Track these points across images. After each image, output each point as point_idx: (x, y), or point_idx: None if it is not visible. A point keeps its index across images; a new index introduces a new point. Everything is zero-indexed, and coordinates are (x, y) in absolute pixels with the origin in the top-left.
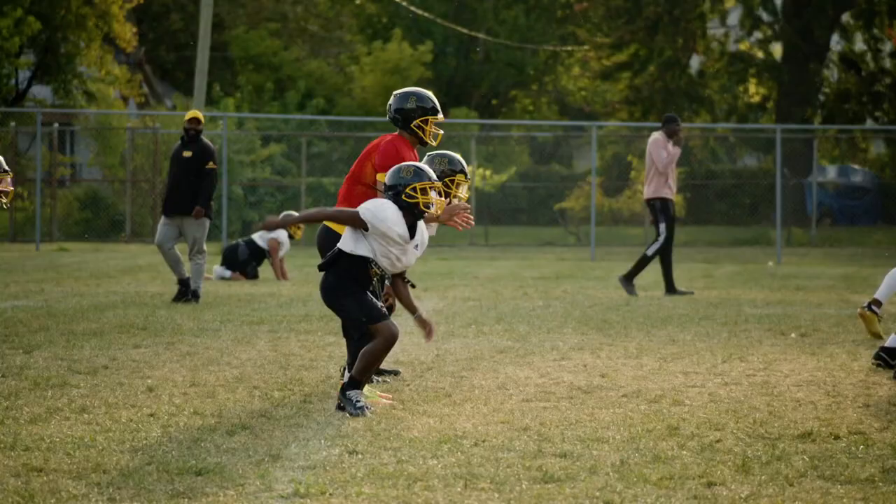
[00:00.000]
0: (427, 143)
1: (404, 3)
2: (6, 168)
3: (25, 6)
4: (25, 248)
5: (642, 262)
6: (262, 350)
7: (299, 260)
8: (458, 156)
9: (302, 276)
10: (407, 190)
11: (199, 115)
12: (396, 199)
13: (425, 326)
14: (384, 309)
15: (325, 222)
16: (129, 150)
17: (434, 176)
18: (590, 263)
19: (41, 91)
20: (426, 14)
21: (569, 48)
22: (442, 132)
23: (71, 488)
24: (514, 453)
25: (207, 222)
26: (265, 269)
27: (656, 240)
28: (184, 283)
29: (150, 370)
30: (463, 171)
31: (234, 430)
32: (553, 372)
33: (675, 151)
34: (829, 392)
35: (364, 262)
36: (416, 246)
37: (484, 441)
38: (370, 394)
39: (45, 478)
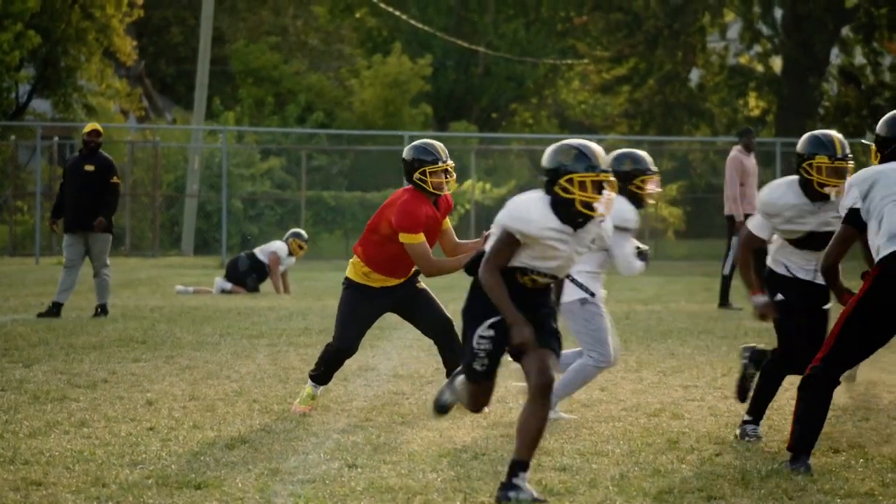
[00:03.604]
0: (435, 195)
1: (404, 17)
2: None
3: (26, 20)
4: (25, 261)
5: (726, 281)
6: (262, 364)
7: (299, 274)
8: (642, 153)
9: (302, 289)
10: (562, 181)
11: (99, 127)
12: (550, 189)
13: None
14: (486, 363)
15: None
16: (128, 163)
17: (601, 164)
18: None
19: (41, 105)
20: (426, 28)
21: (568, 62)
22: (450, 179)
23: (70, 502)
24: None
25: (110, 237)
26: (266, 283)
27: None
28: (56, 306)
29: (150, 384)
30: (650, 170)
31: (234, 444)
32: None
33: (750, 164)
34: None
35: (509, 272)
36: (593, 240)
37: (483, 454)
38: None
39: (44, 492)
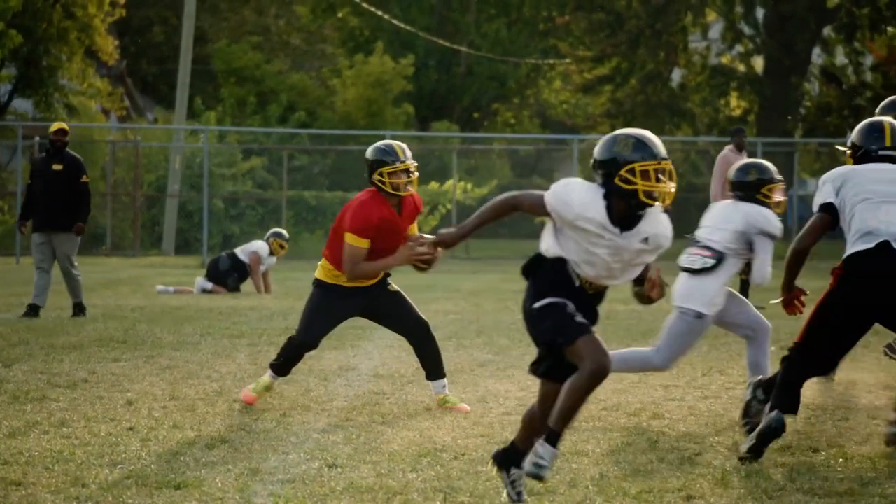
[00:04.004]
0: (395, 195)
1: (387, 17)
2: None
3: (7, 19)
4: (6, 261)
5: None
6: (242, 364)
7: (280, 273)
8: (766, 163)
9: (283, 289)
10: (622, 172)
11: (65, 126)
12: (607, 182)
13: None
14: (584, 323)
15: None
16: (110, 163)
17: (664, 153)
18: None
19: (22, 104)
20: (408, 27)
21: (550, 62)
22: (411, 179)
23: (50, 502)
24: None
25: (78, 237)
26: (247, 283)
27: None
28: (34, 308)
29: (130, 384)
30: (775, 178)
31: (214, 444)
32: (533, 385)
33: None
34: (807, 405)
35: (565, 274)
36: (646, 239)
37: (464, 454)
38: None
39: (23, 492)
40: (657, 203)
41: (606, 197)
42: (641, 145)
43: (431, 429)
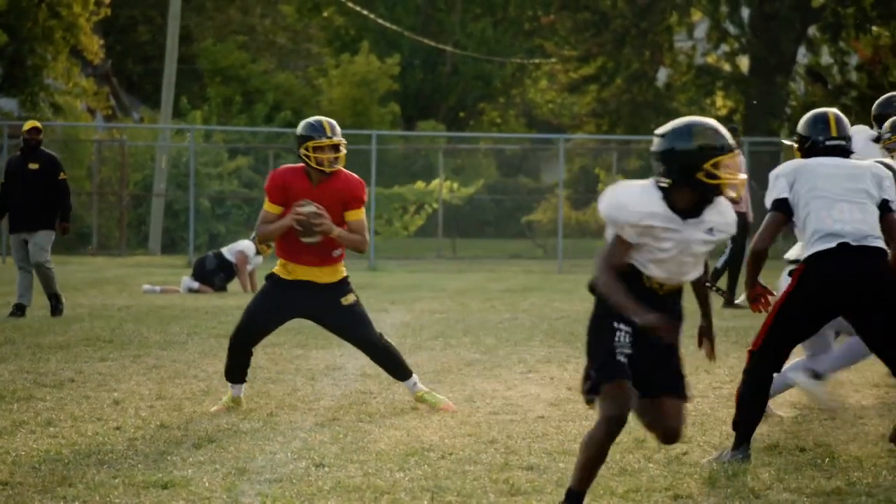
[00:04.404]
0: (320, 171)
1: (372, 16)
2: None
3: None
4: None
5: (717, 275)
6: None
7: (266, 272)
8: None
9: None
10: (707, 166)
11: (38, 124)
12: (684, 176)
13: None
14: (621, 365)
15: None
16: (95, 162)
17: (729, 142)
18: (557, 276)
19: (7, 104)
20: (394, 27)
21: (536, 61)
22: (339, 156)
23: (37, 502)
24: (481, 466)
25: (53, 234)
26: (233, 282)
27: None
28: (20, 308)
29: (117, 383)
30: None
31: (201, 444)
32: (520, 385)
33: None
34: (794, 404)
35: (635, 274)
36: (711, 229)
37: (451, 454)
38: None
39: (10, 491)
40: (733, 194)
41: (663, 190)
42: (720, 135)
43: (419, 428)
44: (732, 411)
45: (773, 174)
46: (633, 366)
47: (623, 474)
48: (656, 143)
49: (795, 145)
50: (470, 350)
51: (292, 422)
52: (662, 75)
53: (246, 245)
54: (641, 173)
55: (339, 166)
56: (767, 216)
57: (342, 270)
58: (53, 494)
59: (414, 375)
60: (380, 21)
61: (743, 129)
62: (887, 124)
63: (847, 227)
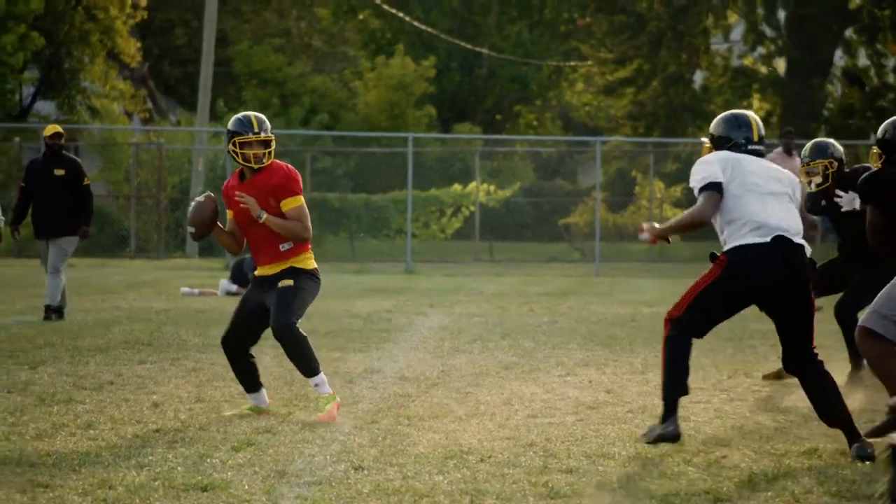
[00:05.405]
0: (247, 167)
1: (408, 19)
2: None
3: (29, 22)
4: (30, 263)
5: None
6: (268, 366)
7: None
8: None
9: None
10: None
11: (61, 129)
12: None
13: None
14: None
15: None
16: (133, 165)
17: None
18: (594, 279)
19: (45, 107)
20: (430, 29)
21: (572, 64)
22: (265, 151)
23: None
24: (520, 469)
25: (76, 239)
26: None
27: None
28: (57, 310)
29: (156, 386)
30: None
31: (240, 447)
32: (559, 388)
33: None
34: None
35: None
36: None
37: (490, 457)
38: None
39: (51, 494)
40: None
41: None
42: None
43: (457, 431)
44: (771, 414)
45: (703, 160)
46: None
47: (662, 477)
48: None
49: (708, 144)
50: (508, 353)
51: (330, 424)
52: (699, 78)
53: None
54: (678, 175)
55: (268, 162)
56: (705, 195)
57: (303, 262)
58: (93, 497)
59: (320, 374)
60: (416, 24)
61: (779, 132)
62: (806, 149)
63: (783, 224)
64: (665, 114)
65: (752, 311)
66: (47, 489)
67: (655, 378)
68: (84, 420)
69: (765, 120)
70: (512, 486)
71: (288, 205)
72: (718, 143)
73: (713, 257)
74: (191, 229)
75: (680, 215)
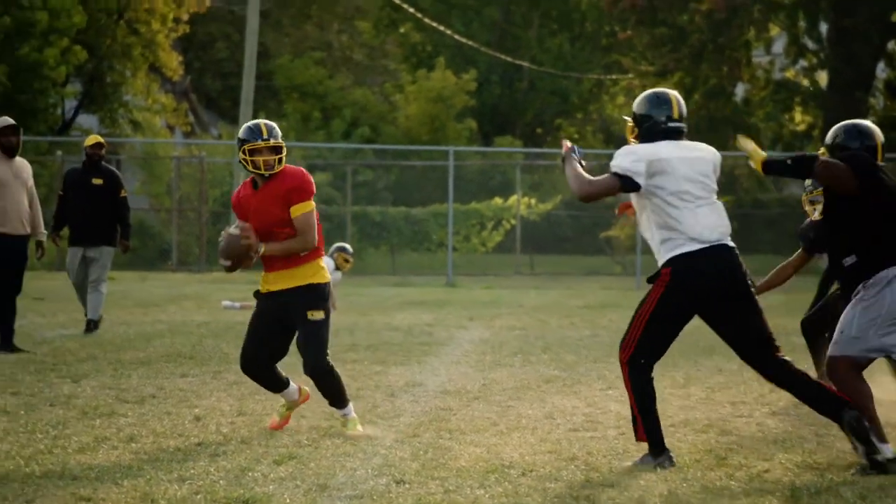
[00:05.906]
0: (257, 174)
1: (448, 32)
2: None
3: (72, 36)
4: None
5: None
6: (309, 380)
7: (344, 289)
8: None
9: (347, 305)
10: None
11: (102, 139)
12: None
13: None
14: None
15: None
16: (175, 178)
17: None
18: (635, 293)
19: (87, 120)
20: (470, 42)
21: (613, 76)
22: (276, 158)
23: None
24: (562, 483)
25: (114, 251)
26: None
27: None
28: (93, 323)
29: (198, 399)
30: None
31: (282, 460)
32: (600, 401)
33: None
34: (885, 423)
35: None
36: None
37: (531, 471)
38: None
39: None
40: None
41: None
42: None
43: (499, 445)
44: (813, 429)
45: (631, 150)
46: None
47: (704, 492)
48: None
49: (630, 123)
50: (549, 367)
51: (372, 438)
52: (740, 91)
53: (325, 261)
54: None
55: (279, 168)
56: (614, 182)
57: (318, 275)
58: None
59: (349, 405)
60: (456, 37)
61: (822, 145)
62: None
63: (715, 233)
64: (706, 127)
65: (793, 324)
66: (90, 502)
67: (697, 392)
68: (126, 433)
69: (806, 133)
70: (554, 500)
71: (297, 210)
72: (640, 121)
73: (652, 279)
74: (226, 263)
75: (586, 176)
